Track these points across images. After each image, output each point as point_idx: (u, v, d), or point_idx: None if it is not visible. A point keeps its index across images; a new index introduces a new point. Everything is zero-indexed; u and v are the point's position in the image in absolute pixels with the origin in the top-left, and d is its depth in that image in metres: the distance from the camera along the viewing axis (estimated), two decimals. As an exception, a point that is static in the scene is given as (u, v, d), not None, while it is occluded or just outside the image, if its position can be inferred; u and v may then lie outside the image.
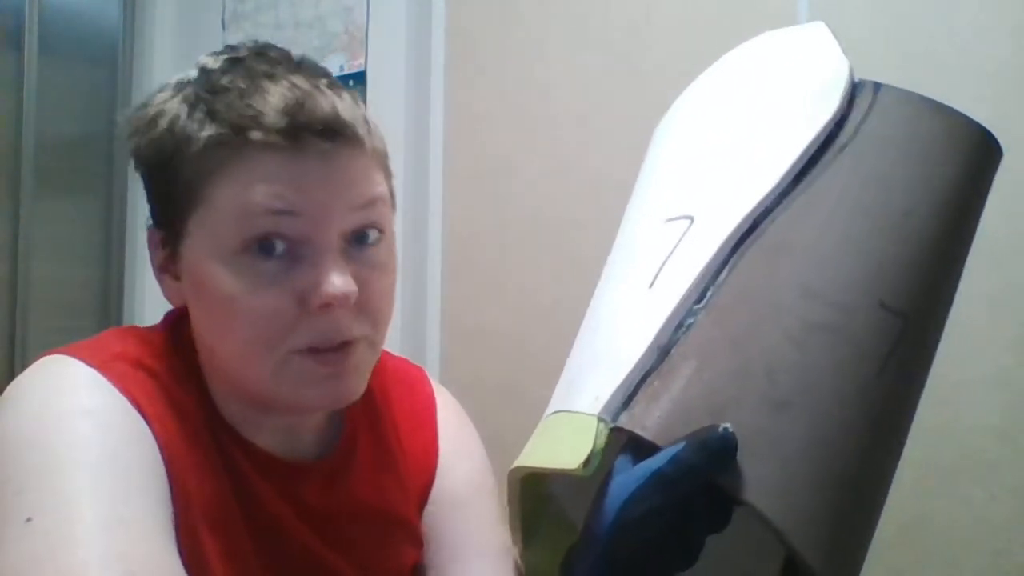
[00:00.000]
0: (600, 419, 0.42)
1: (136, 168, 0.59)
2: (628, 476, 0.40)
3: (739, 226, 0.45)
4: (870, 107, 0.48)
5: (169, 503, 0.52)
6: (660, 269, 0.46)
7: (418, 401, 0.72)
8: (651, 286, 0.46)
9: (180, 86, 0.57)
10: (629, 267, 0.49)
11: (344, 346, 0.56)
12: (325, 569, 0.62)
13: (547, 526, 0.53)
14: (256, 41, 0.60)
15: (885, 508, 0.43)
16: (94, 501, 0.47)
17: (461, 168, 1.76)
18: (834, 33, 0.51)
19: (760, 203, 0.45)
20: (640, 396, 0.42)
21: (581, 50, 1.58)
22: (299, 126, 0.53)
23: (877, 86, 0.48)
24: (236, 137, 0.53)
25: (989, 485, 1.14)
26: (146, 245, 0.61)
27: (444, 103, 1.78)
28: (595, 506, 0.41)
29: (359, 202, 0.56)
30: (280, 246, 0.54)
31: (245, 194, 0.53)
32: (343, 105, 0.55)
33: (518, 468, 0.47)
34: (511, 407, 1.34)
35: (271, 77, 0.55)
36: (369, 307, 0.57)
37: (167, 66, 2.22)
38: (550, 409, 0.48)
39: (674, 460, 0.39)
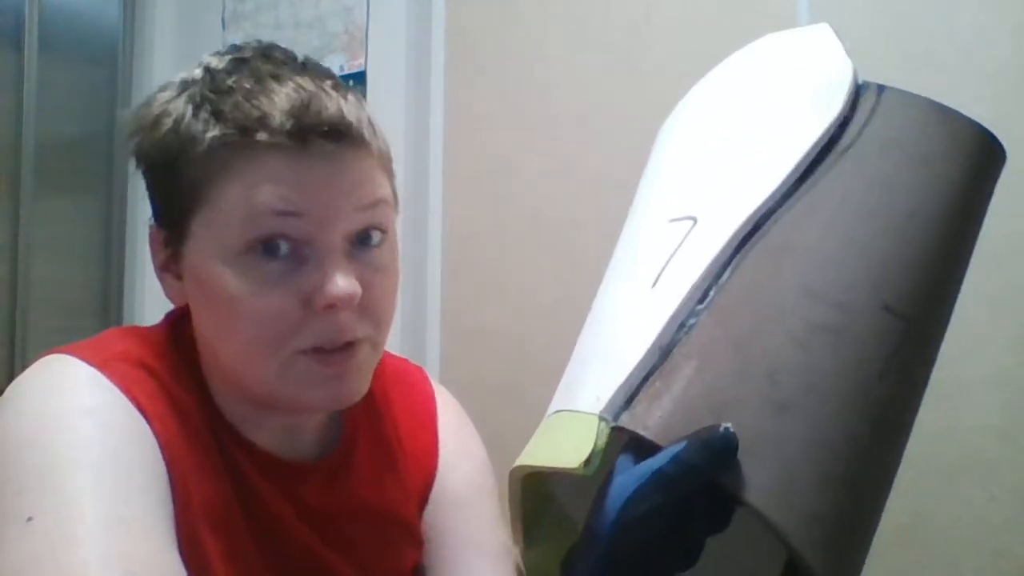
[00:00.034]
0: (601, 418, 0.42)
1: (138, 167, 0.59)
2: (629, 475, 0.40)
3: (742, 227, 0.45)
4: (874, 109, 0.48)
5: (170, 503, 0.52)
6: (663, 269, 0.46)
7: (418, 401, 0.72)
8: (654, 286, 0.46)
9: (184, 85, 0.57)
10: (632, 267, 0.49)
11: (348, 347, 0.56)
12: (325, 569, 0.62)
13: (548, 526, 0.53)
14: (260, 41, 0.60)
15: (885, 508, 0.43)
16: (95, 501, 0.47)
17: (461, 168, 1.75)
18: (836, 34, 0.51)
19: (763, 204, 0.45)
20: (642, 396, 0.42)
21: (581, 50, 1.58)
22: (305, 127, 0.53)
23: (881, 88, 0.48)
24: (242, 138, 0.53)
25: (989, 485, 1.14)
26: (147, 245, 0.61)
27: (444, 103, 1.78)
28: (596, 505, 0.41)
29: (363, 203, 0.56)
30: (284, 247, 0.54)
31: (250, 195, 0.53)
32: (348, 107, 0.55)
33: (519, 467, 0.47)
34: (511, 407, 1.34)
35: (277, 78, 0.55)
36: (372, 308, 0.57)
37: (167, 66, 2.22)
38: (552, 408, 0.48)
39: (675, 460, 0.39)
